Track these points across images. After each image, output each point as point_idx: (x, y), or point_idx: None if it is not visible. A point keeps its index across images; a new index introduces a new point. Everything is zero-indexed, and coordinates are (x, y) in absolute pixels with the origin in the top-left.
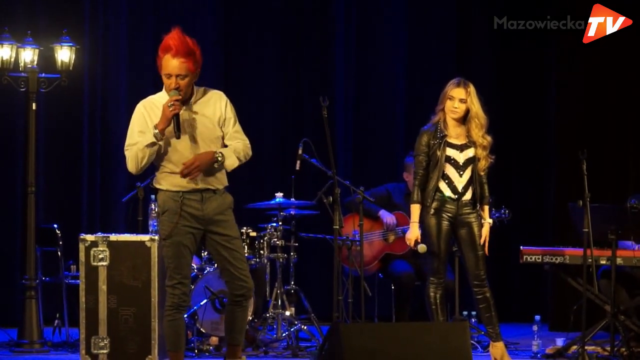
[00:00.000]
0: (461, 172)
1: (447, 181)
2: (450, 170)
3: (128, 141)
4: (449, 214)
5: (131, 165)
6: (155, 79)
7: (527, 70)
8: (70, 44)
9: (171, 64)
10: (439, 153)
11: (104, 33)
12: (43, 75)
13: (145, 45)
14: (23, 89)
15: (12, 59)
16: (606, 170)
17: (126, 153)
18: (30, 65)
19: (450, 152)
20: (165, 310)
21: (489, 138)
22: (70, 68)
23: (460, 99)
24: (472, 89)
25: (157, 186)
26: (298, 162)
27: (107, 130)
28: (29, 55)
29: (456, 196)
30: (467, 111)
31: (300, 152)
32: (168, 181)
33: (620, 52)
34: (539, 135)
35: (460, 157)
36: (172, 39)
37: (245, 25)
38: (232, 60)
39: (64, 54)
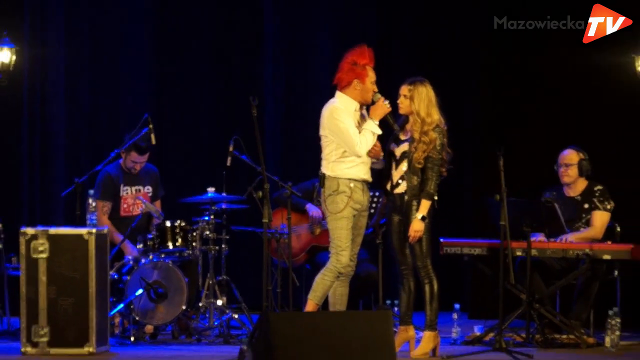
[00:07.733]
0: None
1: None
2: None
3: (352, 131)
4: None
5: (365, 148)
6: (92, 80)
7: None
8: (10, 46)
9: (373, 74)
10: None
11: (42, 35)
12: None
13: (82, 48)
14: None
15: None
16: (522, 165)
17: (356, 139)
18: None
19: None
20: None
21: None
22: (11, 69)
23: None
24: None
25: (336, 174)
26: (229, 158)
27: (46, 128)
28: None
29: None
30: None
31: (231, 148)
32: (343, 170)
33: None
34: (459, 133)
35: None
36: (370, 53)
37: (178, 29)
38: (165, 61)
39: (4, 55)
